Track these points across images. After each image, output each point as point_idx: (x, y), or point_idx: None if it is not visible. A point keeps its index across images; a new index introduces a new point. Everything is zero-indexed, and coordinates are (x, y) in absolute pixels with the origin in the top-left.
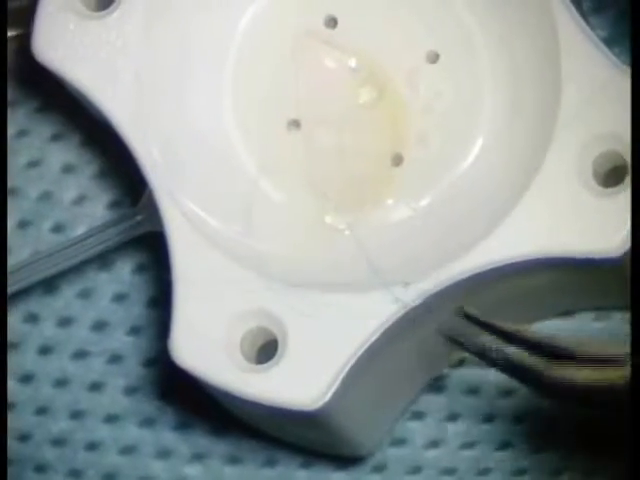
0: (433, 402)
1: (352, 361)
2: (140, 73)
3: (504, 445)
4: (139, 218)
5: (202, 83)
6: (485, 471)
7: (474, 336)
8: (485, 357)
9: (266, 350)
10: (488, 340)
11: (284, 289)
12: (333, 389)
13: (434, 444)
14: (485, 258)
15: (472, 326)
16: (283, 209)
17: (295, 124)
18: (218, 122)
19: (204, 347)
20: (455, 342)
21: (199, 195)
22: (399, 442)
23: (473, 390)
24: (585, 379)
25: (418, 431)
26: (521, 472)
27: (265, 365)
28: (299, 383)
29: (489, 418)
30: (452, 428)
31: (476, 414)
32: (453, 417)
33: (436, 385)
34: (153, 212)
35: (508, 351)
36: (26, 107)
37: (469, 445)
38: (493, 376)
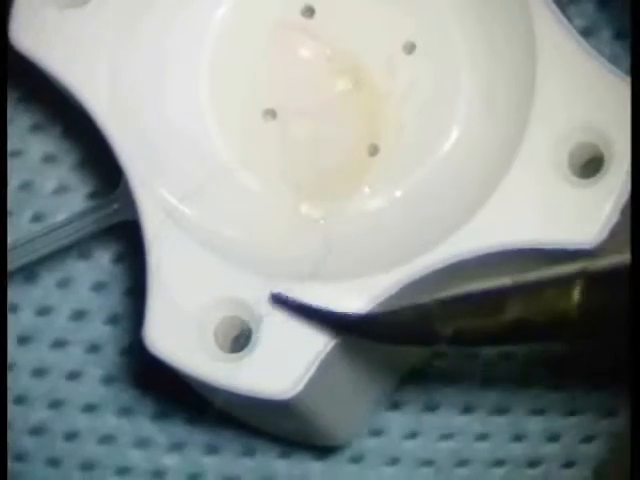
0: (411, 392)
1: (326, 350)
2: (117, 64)
3: (482, 436)
4: (115, 206)
5: (179, 73)
6: (464, 462)
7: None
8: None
9: (240, 339)
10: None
11: (258, 279)
12: (306, 378)
13: (412, 435)
14: (460, 248)
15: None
16: (258, 199)
17: (271, 114)
18: (194, 112)
19: (178, 336)
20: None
21: (174, 184)
22: (377, 432)
23: (452, 381)
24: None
25: (396, 421)
26: (499, 462)
27: (239, 354)
28: (273, 372)
29: (468, 409)
30: (430, 419)
31: (455, 405)
32: (431, 408)
33: (414, 375)
34: (129, 201)
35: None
36: (7, 98)
37: (447, 436)
38: (472, 367)
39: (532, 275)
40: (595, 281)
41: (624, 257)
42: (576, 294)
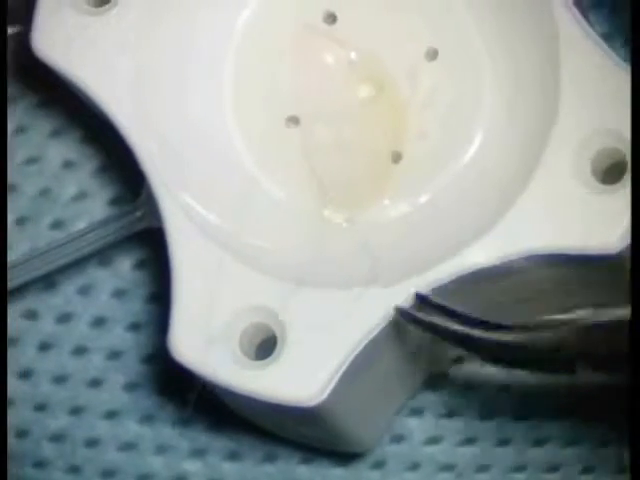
0: (432, 398)
1: (351, 357)
2: (139, 69)
3: (503, 441)
4: (138, 214)
5: (201, 79)
6: (484, 467)
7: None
8: (435, 330)
9: (265, 346)
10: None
11: (283, 285)
12: (331, 385)
13: (433, 440)
14: (484, 255)
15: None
16: (281, 205)
17: (294, 120)
18: (217, 118)
19: (203, 343)
20: (409, 319)
21: (198, 191)
22: (398, 438)
23: (472, 387)
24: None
25: (417, 427)
26: (521, 468)
27: (264, 361)
28: (298, 379)
29: (488, 415)
30: (451, 424)
31: (475, 410)
32: (452, 413)
33: (435, 382)
34: (152, 208)
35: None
36: (26, 103)
37: (468, 441)
38: (492, 373)
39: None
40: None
41: (621, 312)
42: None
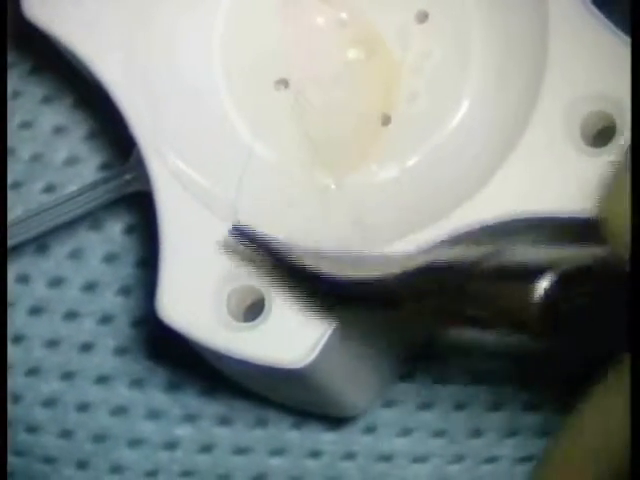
0: (424, 363)
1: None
2: (129, 31)
3: (496, 406)
4: (128, 177)
5: (192, 42)
6: (477, 432)
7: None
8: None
9: (254, 309)
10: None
11: None
12: (319, 347)
13: (425, 405)
14: (471, 217)
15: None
16: (271, 167)
17: (284, 83)
18: (207, 81)
19: (191, 306)
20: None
21: (188, 154)
22: (390, 403)
23: (466, 352)
24: None
25: (409, 393)
26: (513, 433)
27: (252, 323)
28: (286, 341)
29: (480, 379)
30: (444, 390)
31: (467, 375)
32: (445, 379)
33: (428, 346)
34: (142, 171)
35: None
36: (19, 69)
37: (460, 406)
38: (486, 338)
39: (500, 258)
40: (564, 279)
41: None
42: (540, 290)
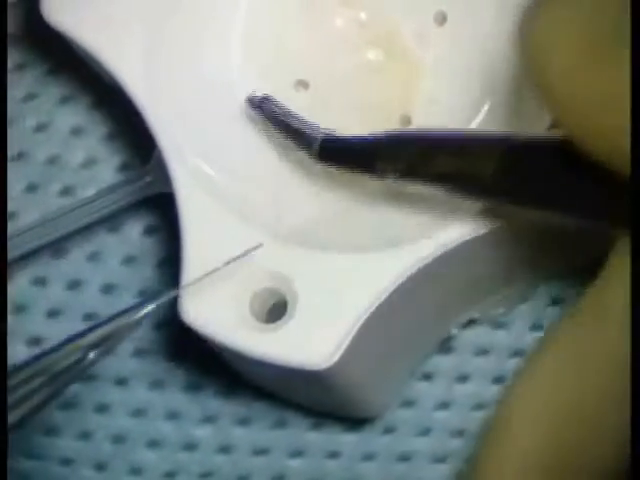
0: (442, 363)
1: (361, 320)
2: (149, 33)
3: None
4: (148, 179)
5: (212, 43)
6: None
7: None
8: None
9: (277, 310)
10: None
11: (294, 249)
12: (342, 349)
13: (444, 405)
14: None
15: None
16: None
17: (303, 84)
18: (227, 82)
19: (213, 307)
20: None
21: (208, 155)
22: (409, 403)
23: (483, 351)
24: None
25: (428, 392)
26: None
27: (274, 324)
28: (308, 342)
29: (499, 379)
30: (462, 389)
31: (486, 375)
32: (463, 378)
33: (445, 346)
34: (162, 173)
35: None
36: (35, 70)
37: (479, 406)
38: (503, 337)
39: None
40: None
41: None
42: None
